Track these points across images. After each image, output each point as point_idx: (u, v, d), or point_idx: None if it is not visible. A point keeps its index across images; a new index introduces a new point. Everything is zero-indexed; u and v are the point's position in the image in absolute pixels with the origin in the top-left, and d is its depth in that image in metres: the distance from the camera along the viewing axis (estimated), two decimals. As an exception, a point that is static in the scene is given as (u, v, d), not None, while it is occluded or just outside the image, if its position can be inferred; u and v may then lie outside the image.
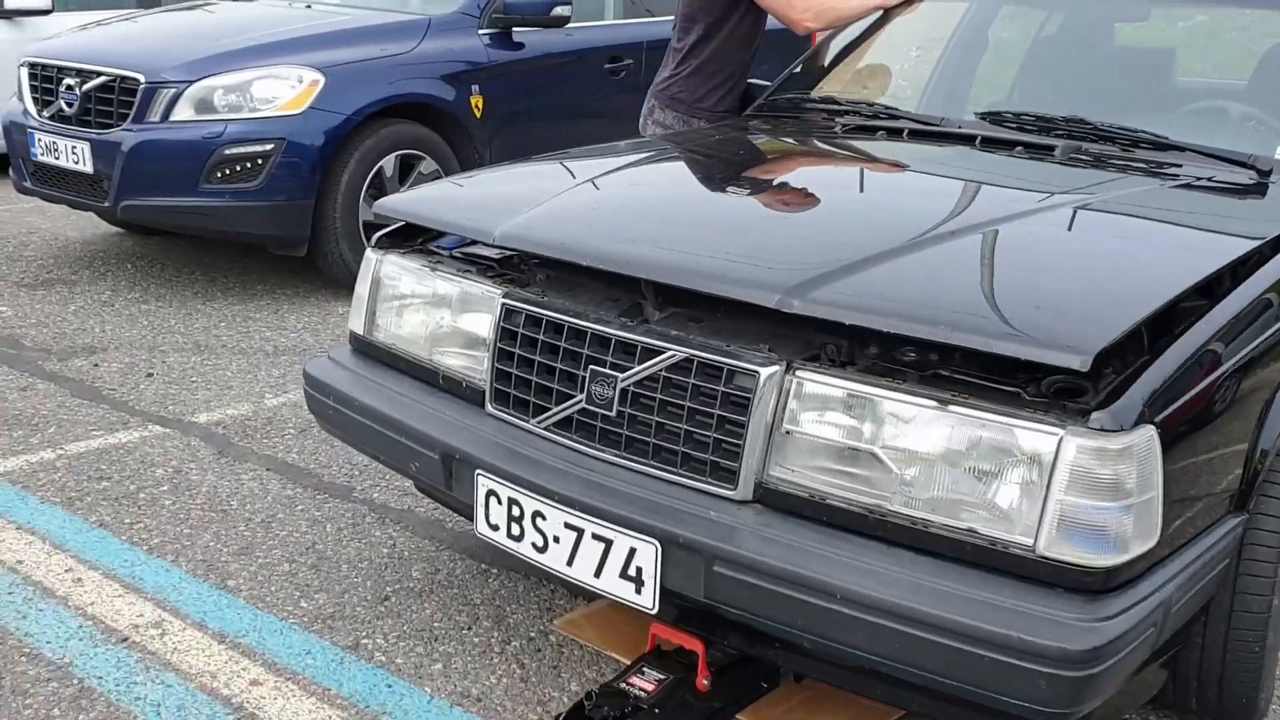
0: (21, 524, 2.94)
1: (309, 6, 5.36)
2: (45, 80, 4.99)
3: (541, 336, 2.09)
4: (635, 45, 5.99)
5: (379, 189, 4.84)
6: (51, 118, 4.92)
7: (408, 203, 2.64)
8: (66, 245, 5.59)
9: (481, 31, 5.31)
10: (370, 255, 2.47)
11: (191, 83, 4.61)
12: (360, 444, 2.44)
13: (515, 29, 5.40)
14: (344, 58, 4.82)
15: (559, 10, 5.31)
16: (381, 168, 4.86)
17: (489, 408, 2.17)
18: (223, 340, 4.30)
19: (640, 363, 1.95)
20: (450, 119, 5.14)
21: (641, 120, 3.74)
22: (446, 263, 2.36)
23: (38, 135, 4.94)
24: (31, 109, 5.04)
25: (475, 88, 5.21)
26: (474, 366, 2.24)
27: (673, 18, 3.72)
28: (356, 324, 2.49)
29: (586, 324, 2.03)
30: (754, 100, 3.48)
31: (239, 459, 3.34)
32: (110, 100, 4.71)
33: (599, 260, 2.06)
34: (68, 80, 4.81)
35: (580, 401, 2.03)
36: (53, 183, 4.97)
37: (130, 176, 4.64)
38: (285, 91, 4.64)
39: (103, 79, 4.72)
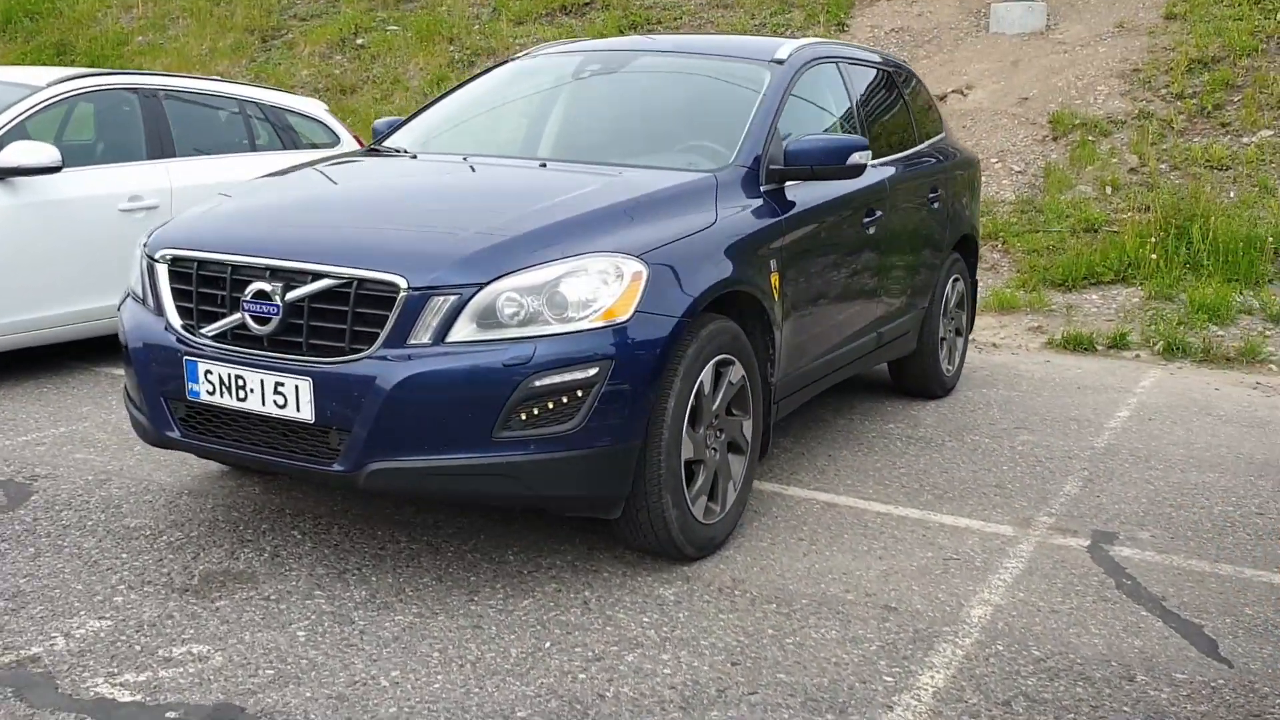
0: None
1: (543, 166, 3.92)
2: (208, 283, 3.37)
3: None
4: (880, 188, 4.83)
5: (695, 414, 3.46)
6: (222, 338, 3.31)
7: None
8: (238, 527, 3.90)
9: (763, 188, 4.03)
10: None
11: (482, 285, 3.09)
12: None
13: (789, 184, 4.16)
14: (653, 237, 3.42)
15: (857, 157, 4.09)
16: (701, 384, 3.47)
17: None
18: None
19: None
20: (756, 307, 3.81)
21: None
22: None
23: (201, 366, 3.31)
24: (175, 322, 3.41)
25: (773, 263, 3.91)
26: None
27: None
28: None
29: None
30: None
31: None
32: (339, 314, 3.16)
33: None
34: (259, 285, 3.23)
35: None
36: (230, 434, 3.31)
37: (388, 427, 3.07)
38: (603, 291, 3.20)
39: (326, 282, 3.17)
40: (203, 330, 3.35)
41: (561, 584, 3.39)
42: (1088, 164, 9.39)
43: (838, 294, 4.45)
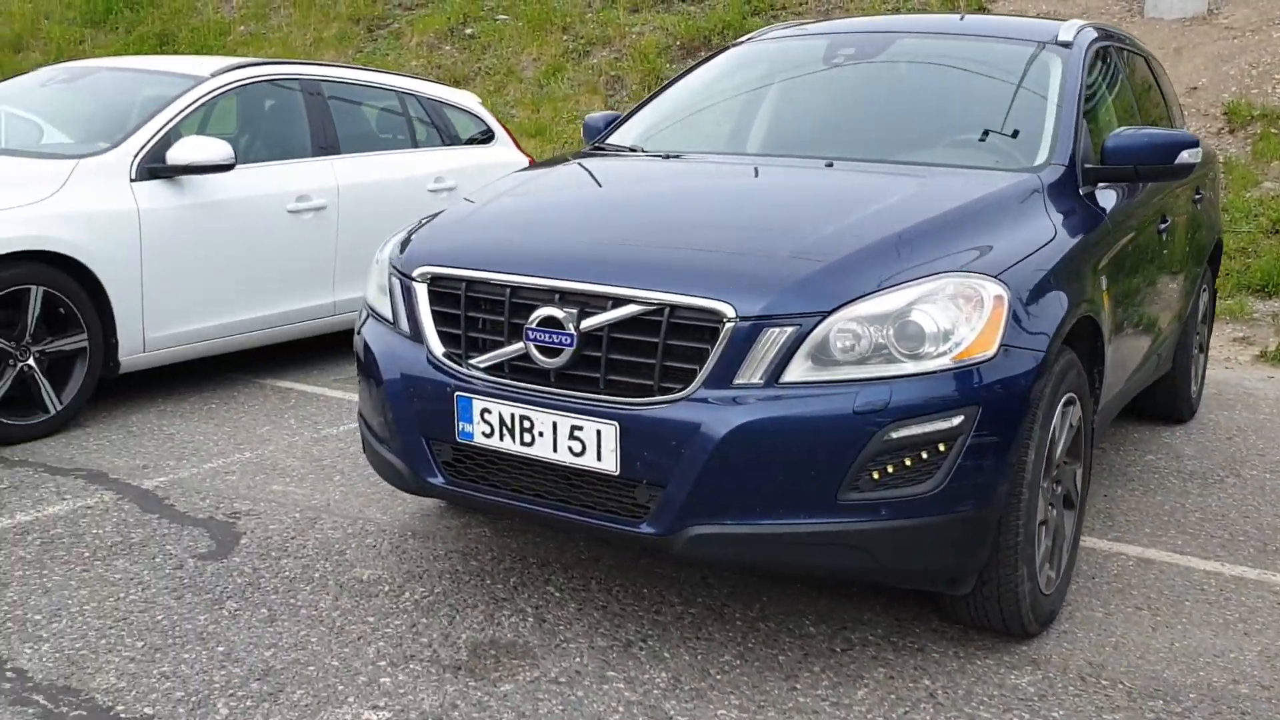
0: None
1: (830, 166, 3.36)
2: (480, 307, 2.86)
3: None
4: (1167, 189, 4.20)
5: (1045, 467, 2.88)
6: (496, 370, 2.80)
7: None
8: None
9: (1081, 191, 3.44)
10: None
11: (825, 315, 2.54)
12: None
13: (1101, 186, 3.56)
14: (1001, 253, 2.83)
15: (1186, 156, 3.47)
16: (1054, 430, 2.90)
17: None
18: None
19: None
20: (1089, 334, 3.22)
21: None
22: None
23: (477, 403, 2.80)
24: (438, 350, 2.90)
25: (1104, 280, 3.32)
26: None
27: None
28: None
29: None
30: None
31: None
32: (646, 346, 2.63)
33: None
34: (547, 311, 2.71)
35: None
36: (507, 483, 2.79)
37: (713, 485, 2.54)
38: (961, 320, 2.62)
39: (632, 309, 2.64)
40: (472, 361, 2.84)
41: (890, 668, 2.84)
42: (1273, 158, 8.63)
43: (1140, 314, 3.84)
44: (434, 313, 2.93)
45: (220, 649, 2.81)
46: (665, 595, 3.20)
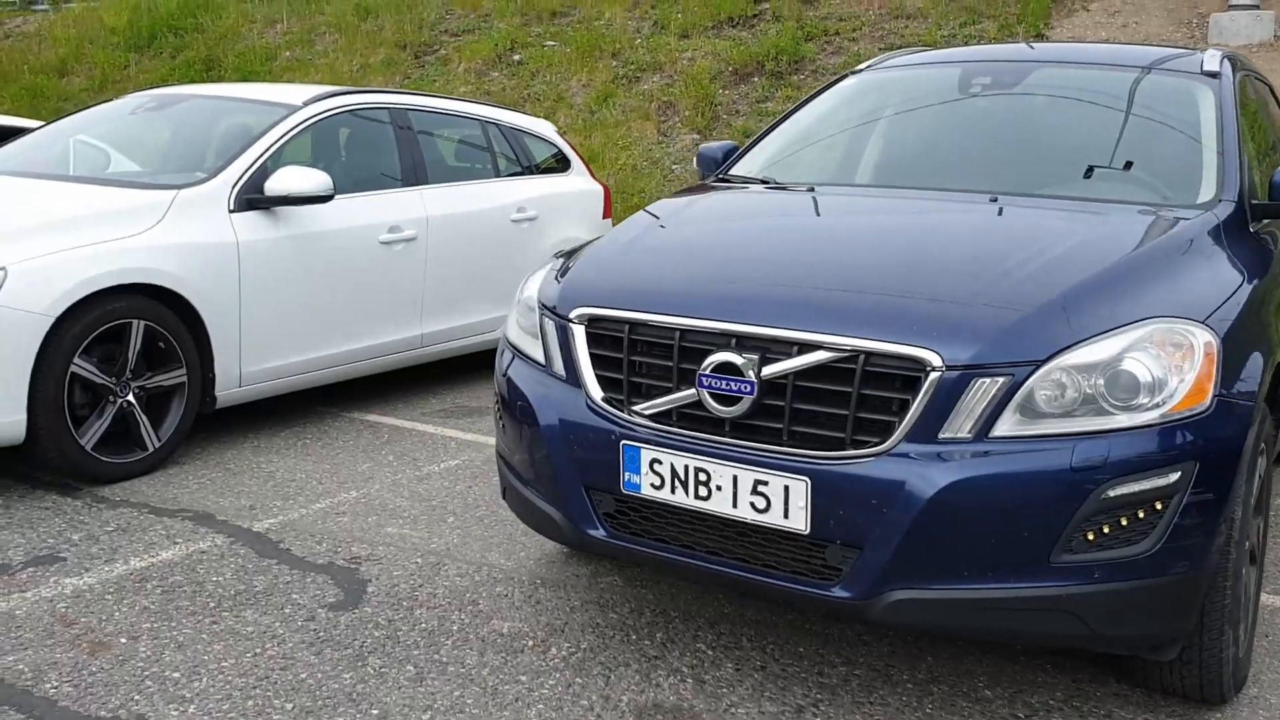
0: None
1: (994, 201, 3.20)
2: (640, 349, 2.71)
3: None
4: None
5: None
6: (661, 418, 2.64)
7: None
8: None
9: (1251, 228, 3.28)
10: None
11: (1038, 364, 2.39)
12: None
13: (1266, 223, 3.39)
14: (1201, 297, 2.67)
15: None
16: (1261, 484, 2.73)
17: None
18: None
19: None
20: (1277, 382, 3.06)
21: None
22: None
23: (646, 453, 2.64)
24: (596, 395, 2.74)
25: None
26: None
27: None
28: None
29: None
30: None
31: None
32: (836, 396, 2.47)
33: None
34: (723, 356, 2.55)
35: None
36: (677, 539, 2.62)
37: (918, 547, 2.37)
38: (1173, 369, 2.46)
39: (821, 355, 2.49)
40: (636, 408, 2.69)
41: (1085, 737, 2.66)
42: (1351, 187, 8.43)
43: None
44: (592, 355, 2.78)
45: (375, 711, 2.65)
46: (824, 654, 3.03)
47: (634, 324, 2.72)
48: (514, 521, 3.91)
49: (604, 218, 6.79)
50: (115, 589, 3.27)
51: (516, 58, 13.11)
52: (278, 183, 4.66)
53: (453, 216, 5.61)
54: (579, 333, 2.80)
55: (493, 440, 4.93)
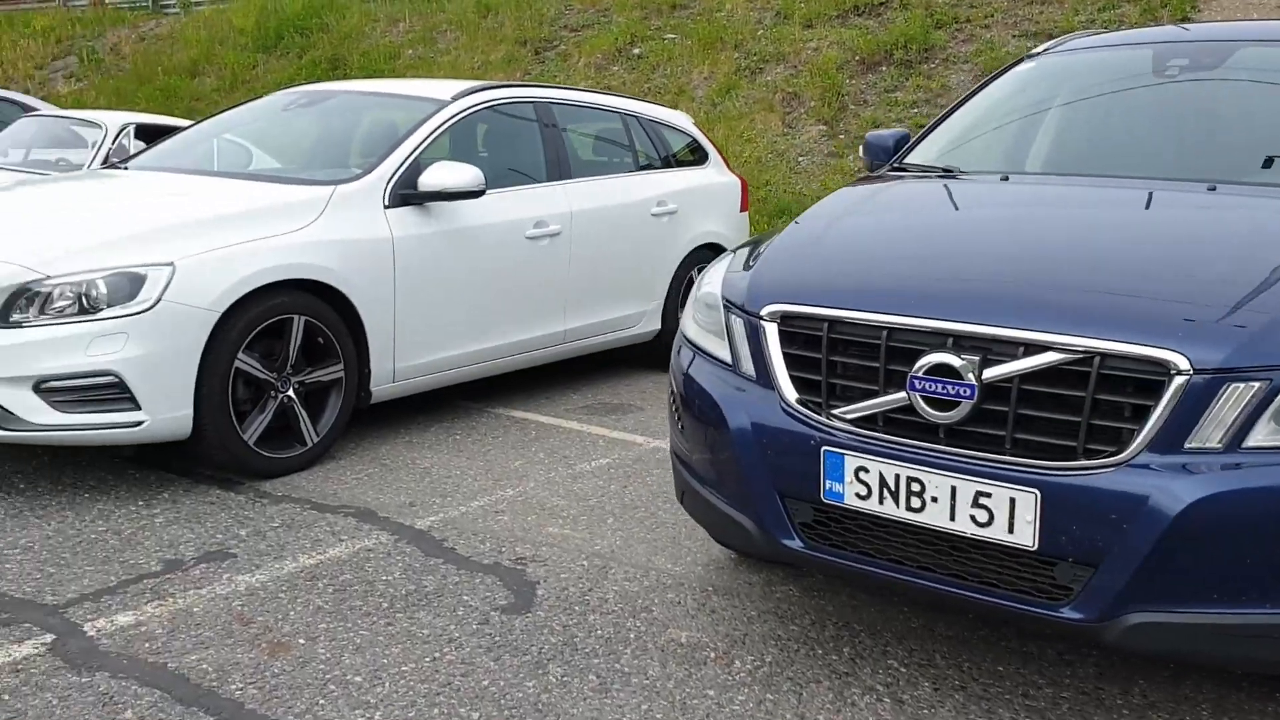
0: None
1: (1212, 190, 2.94)
2: (840, 348, 2.56)
3: None
4: None
5: None
6: (865, 423, 2.48)
7: None
8: None
9: None
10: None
11: (1301, 370, 2.18)
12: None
13: None
14: None
15: None
16: None
17: None
18: None
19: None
20: None
21: None
22: None
23: (850, 460, 2.49)
24: (791, 397, 2.60)
25: None
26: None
27: None
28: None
29: None
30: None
31: None
32: (1066, 401, 2.28)
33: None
34: (939, 358, 2.38)
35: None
36: (882, 552, 2.45)
37: (1163, 567, 2.17)
38: None
39: (1051, 357, 2.30)
40: (837, 411, 2.52)
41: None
42: None
43: None
44: (785, 355, 2.63)
45: (563, 724, 2.56)
46: (1025, 674, 2.82)
47: (834, 322, 2.55)
48: (676, 524, 3.79)
49: (740, 211, 6.63)
50: (288, 587, 3.24)
51: (636, 51, 13.02)
52: (431, 178, 4.62)
53: (595, 211, 5.51)
54: (771, 331, 2.65)
55: (639, 439, 4.82)
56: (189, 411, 3.90)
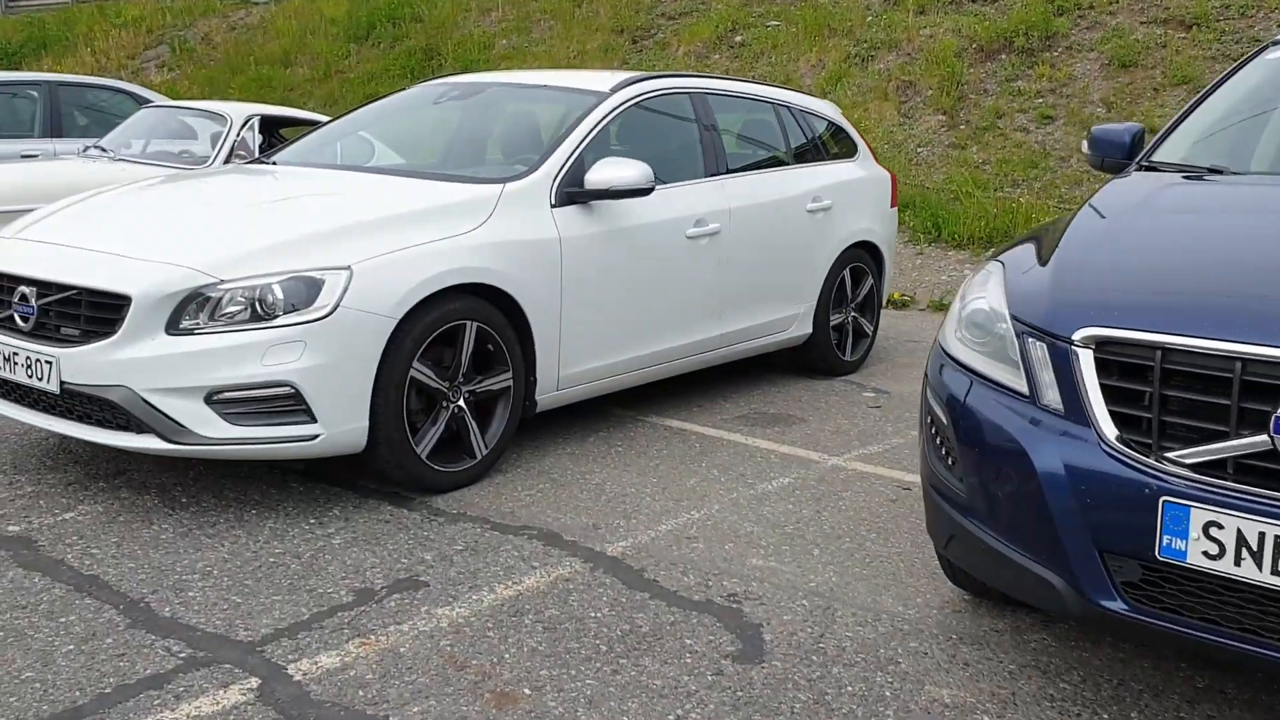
0: None
1: None
2: (1174, 381, 2.19)
3: None
4: None
5: None
6: (1209, 469, 2.12)
7: None
8: None
9: None
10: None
11: None
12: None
13: None
14: None
15: None
16: None
17: None
18: None
19: None
20: None
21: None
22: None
23: (1197, 514, 2.13)
24: (1109, 435, 2.24)
25: None
26: None
27: None
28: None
29: None
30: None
31: None
32: None
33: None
34: (1323, 399, 2.02)
35: None
36: (1239, 620, 2.09)
37: None
38: None
39: None
40: (1171, 455, 2.16)
41: None
42: None
43: None
44: (1104, 387, 2.27)
45: (848, 806, 2.23)
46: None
47: (1168, 350, 2.19)
48: (889, 558, 3.45)
49: (891, 207, 6.24)
50: (494, 624, 2.95)
51: (739, 39, 12.62)
52: (599, 175, 4.30)
53: (754, 208, 5.17)
54: (1086, 359, 2.29)
55: (814, 455, 4.48)
56: (364, 424, 3.63)
